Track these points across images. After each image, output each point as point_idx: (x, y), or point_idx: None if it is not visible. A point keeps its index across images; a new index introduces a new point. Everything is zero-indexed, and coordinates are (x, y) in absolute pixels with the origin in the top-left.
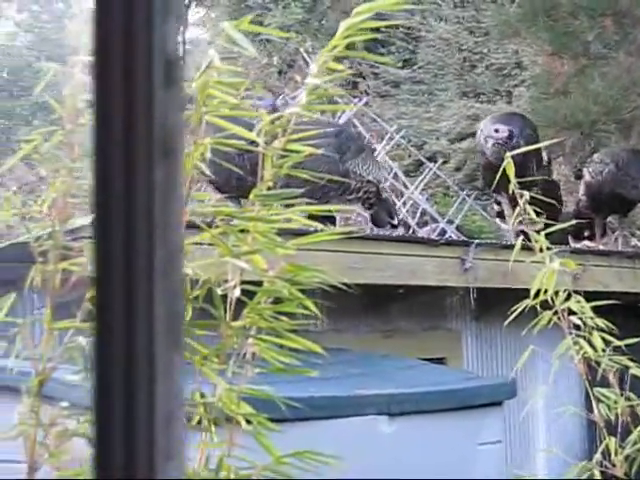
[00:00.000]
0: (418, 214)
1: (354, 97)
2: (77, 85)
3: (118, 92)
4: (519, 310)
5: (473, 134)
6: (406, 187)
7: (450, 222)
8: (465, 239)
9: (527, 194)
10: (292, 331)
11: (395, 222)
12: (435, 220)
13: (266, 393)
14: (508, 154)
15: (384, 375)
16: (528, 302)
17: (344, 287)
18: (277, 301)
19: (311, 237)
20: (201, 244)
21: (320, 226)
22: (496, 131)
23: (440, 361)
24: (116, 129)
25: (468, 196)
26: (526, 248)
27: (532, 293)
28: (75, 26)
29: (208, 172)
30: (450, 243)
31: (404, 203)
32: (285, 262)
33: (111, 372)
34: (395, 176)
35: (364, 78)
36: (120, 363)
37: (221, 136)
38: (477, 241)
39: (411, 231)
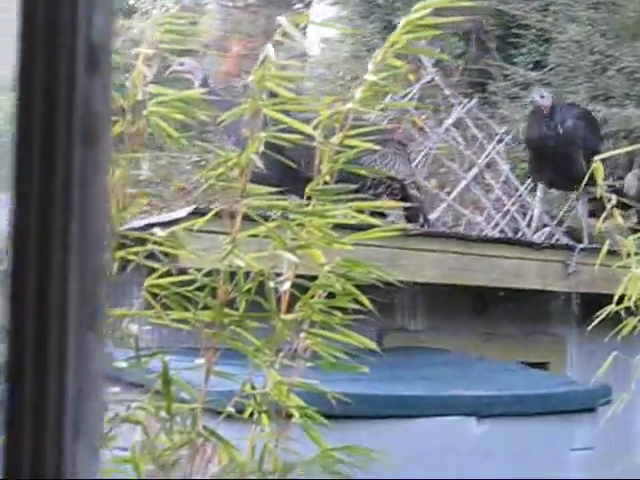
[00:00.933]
0: (528, 217)
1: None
2: (138, 76)
3: (40, 75)
4: (603, 316)
5: None
6: (516, 190)
7: (560, 224)
8: (570, 243)
9: (614, 197)
10: (347, 326)
11: (421, 221)
12: (545, 224)
13: (316, 387)
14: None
15: (478, 377)
16: (612, 307)
17: (399, 284)
18: (331, 296)
19: (367, 233)
20: (257, 236)
21: (378, 222)
22: (541, 97)
23: (543, 366)
24: (37, 113)
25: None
26: (613, 252)
27: (615, 299)
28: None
29: (260, 165)
30: (554, 246)
31: (512, 204)
32: (340, 257)
33: (23, 350)
34: (507, 178)
35: (494, 80)
36: (31, 342)
37: (277, 130)
38: (581, 245)
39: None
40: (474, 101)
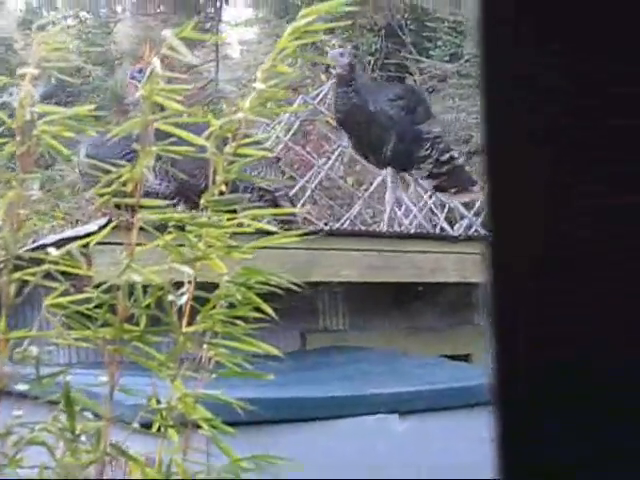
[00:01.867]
0: (446, 210)
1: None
2: (26, 97)
3: None
4: None
5: None
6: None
7: (477, 215)
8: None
9: None
10: (249, 335)
11: (476, 189)
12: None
13: (220, 397)
14: None
15: (400, 373)
16: None
17: (295, 287)
18: (232, 306)
19: (267, 240)
20: (156, 248)
21: (275, 229)
22: (341, 55)
23: (466, 358)
24: None
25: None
26: None
27: None
28: (120, 31)
29: (151, 180)
30: (470, 238)
31: (430, 197)
32: (239, 266)
33: None
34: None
35: (410, 74)
36: None
37: (168, 143)
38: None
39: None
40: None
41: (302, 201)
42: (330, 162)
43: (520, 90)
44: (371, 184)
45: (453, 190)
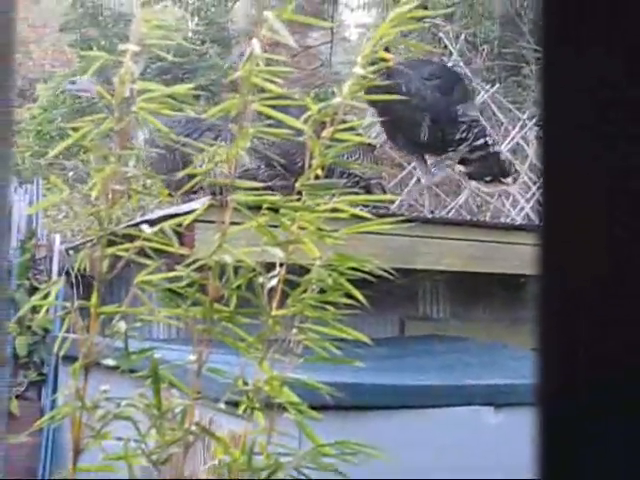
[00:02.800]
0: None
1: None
2: (126, 73)
3: None
4: None
5: None
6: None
7: None
8: None
9: None
10: (339, 320)
11: (509, 180)
12: None
13: (308, 381)
14: None
15: (498, 365)
16: None
17: (391, 276)
18: (323, 291)
19: (360, 226)
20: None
21: (370, 216)
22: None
23: None
24: None
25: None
26: None
27: None
28: (239, 10)
29: (248, 161)
30: None
31: (538, 189)
32: (332, 252)
33: None
34: (532, 163)
35: (527, 63)
36: None
37: (266, 125)
38: None
39: None
40: (497, 86)
41: (408, 187)
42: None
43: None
44: None
45: (487, 179)
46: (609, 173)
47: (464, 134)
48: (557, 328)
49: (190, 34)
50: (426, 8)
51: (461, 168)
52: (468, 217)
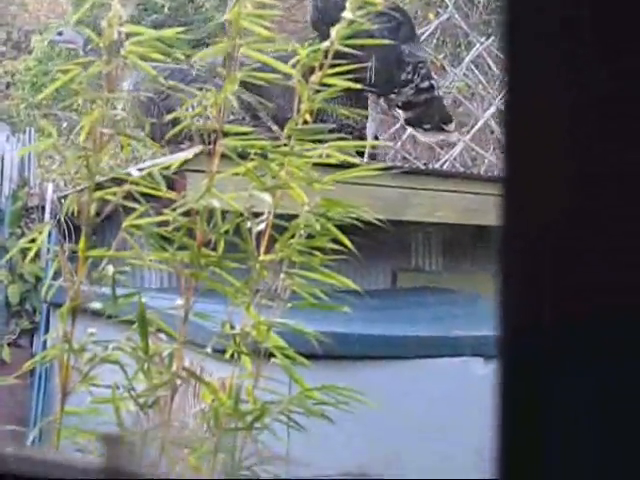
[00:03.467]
0: None
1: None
2: (114, 16)
3: None
4: None
5: None
6: None
7: None
8: None
9: None
10: (327, 266)
11: (451, 128)
12: None
13: (295, 327)
14: None
15: (486, 316)
16: None
17: (379, 223)
18: (311, 237)
19: (348, 172)
20: (236, 175)
21: (358, 162)
22: None
23: None
24: None
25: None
26: None
27: None
28: None
29: (236, 105)
30: None
31: None
32: (319, 197)
33: None
34: None
35: None
36: None
37: (253, 69)
38: None
39: None
40: (492, 39)
41: (403, 139)
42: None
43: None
44: (473, 127)
45: (426, 126)
46: (572, 102)
47: (409, 75)
48: (521, 266)
49: None
50: None
51: (400, 113)
52: (462, 170)
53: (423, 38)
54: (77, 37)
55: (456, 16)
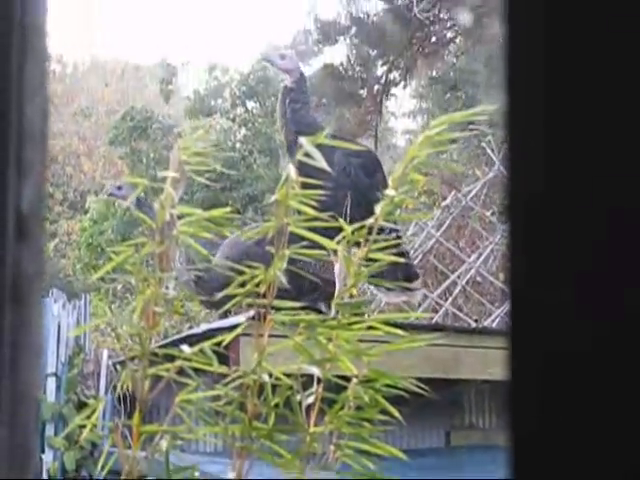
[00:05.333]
0: None
1: None
2: (167, 199)
3: None
4: None
5: None
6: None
7: None
8: None
9: None
10: (377, 437)
11: (417, 285)
12: None
13: None
14: None
15: None
16: None
17: (425, 392)
18: (360, 407)
19: (395, 344)
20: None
21: (403, 333)
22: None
23: None
24: None
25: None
26: None
27: None
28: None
29: (285, 282)
30: None
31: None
32: (367, 368)
33: None
34: None
35: None
36: None
37: (301, 246)
38: None
39: None
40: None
41: (453, 296)
42: (482, 258)
43: None
44: None
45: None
46: None
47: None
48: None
49: (238, 145)
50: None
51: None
52: None
53: (471, 195)
54: (133, 192)
55: (503, 171)
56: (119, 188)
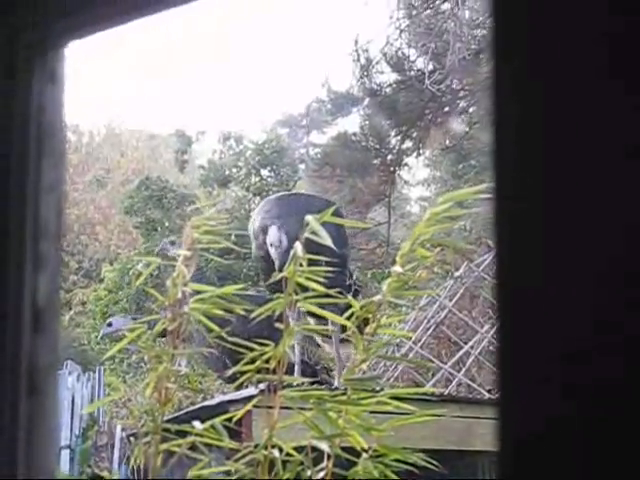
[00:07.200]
0: None
1: None
2: (179, 276)
3: None
4: None
5: None
6: None
7: None
8: None
9: None
10: None
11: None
12: None
13: None
14: None
15: None
16: None
17: (437, 468)
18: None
19: (405, 419)
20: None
21: (412, 408)
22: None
23: None
24: None
25: None
26: None
27: None
28: (299, 186)
29: (294, 358)
30: None
31: None
32: (377, 443)
33: None
34: None
35: None
36: None
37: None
38: None
39: None
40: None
41: (466, 366)
42: (495, 328)
43: None
44: None
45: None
46: None
47: (350, 280)
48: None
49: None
50: None
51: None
52: None
53: (484, 265)
54: (126, 322)
55: None
56: (109, 325)
